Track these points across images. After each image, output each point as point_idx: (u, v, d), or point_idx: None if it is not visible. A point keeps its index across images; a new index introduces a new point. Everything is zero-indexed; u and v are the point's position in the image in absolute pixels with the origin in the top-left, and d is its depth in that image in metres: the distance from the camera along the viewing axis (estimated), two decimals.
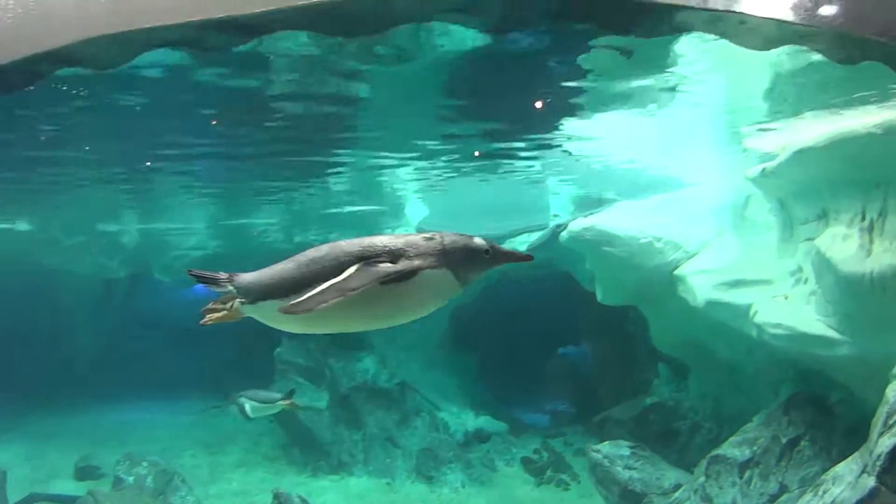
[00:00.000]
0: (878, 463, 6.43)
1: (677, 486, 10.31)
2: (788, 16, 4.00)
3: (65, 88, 7.12)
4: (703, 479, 9.60)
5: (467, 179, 14.99)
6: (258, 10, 3.78)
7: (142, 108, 8.27)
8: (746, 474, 9.24)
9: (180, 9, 3.76)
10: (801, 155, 8.52)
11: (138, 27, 3.84)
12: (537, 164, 14.00)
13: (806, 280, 9.03)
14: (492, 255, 3.35)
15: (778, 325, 8.90)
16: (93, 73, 5.03)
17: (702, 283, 10.63)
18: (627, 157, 13.78)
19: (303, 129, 9.89)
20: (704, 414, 12.70)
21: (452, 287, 3.29)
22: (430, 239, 3.26)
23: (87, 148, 10.58)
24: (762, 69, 7.20)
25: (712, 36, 5.04)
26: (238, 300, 3.50)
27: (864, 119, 7.44)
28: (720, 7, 4.03)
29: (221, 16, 3.83)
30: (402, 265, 3.14)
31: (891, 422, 6.59)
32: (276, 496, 11.97)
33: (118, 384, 18.76)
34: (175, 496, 13.11)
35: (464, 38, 6.02)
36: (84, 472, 14.83)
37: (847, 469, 7.02)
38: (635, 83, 8.00)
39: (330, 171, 13.55)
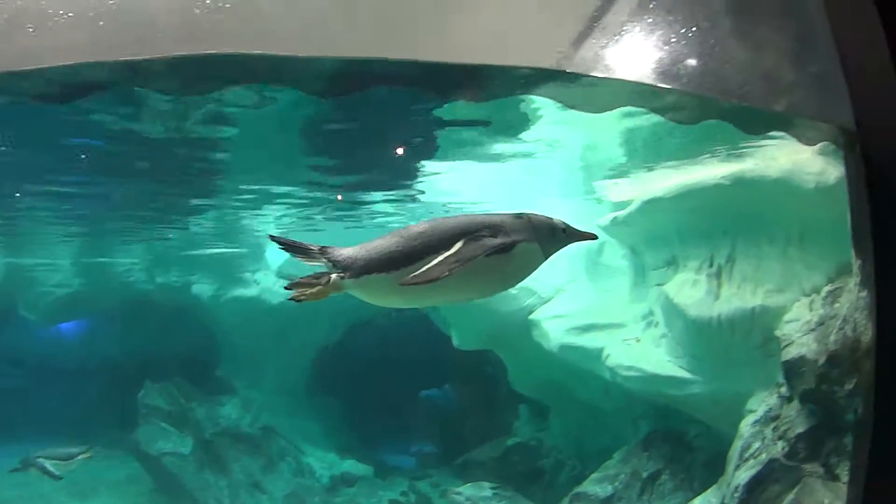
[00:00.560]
0: (737, 495, 6.61)
1: None
2: (632, 77, 3.89)
3: None
4: None
5: (327, 224, 14.70)
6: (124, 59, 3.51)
7: (10, 142, 7.78)
8: None
9: (47, 53, 3.35)
10: (651, 205, 8.73)
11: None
12: (395, 210, 13.74)
13: (657, 323, 9.25)
14: (567, 232, 3.72)
15: (630, 368, 9.02)
16: None
17: (555, 327, 10.67)
18: (485, 206, 13.62)
19: (165, 170, 9.49)
20: (567, 452, 12.69)
21: (539, 260, 3.58)
22: (519, 217, 3.58)
23: None
24: (615, 125, 7.24)
25: (553, 101, 4.76)
26: (337, 275, 3.55)
27: (711, 171, 7.68)
28: (563, 69, 3.83)
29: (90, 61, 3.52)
30: (503, 239, 3.38)
31: (746, 455, 6.79)
32: None
33: None
34: None
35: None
36: None
37: (706, 501, 7.23)
38: (489, 137, 7.82)
39: (191, 212, 13.01)
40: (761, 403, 7.05)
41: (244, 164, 9.45)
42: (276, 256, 17.58)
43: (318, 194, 11.74)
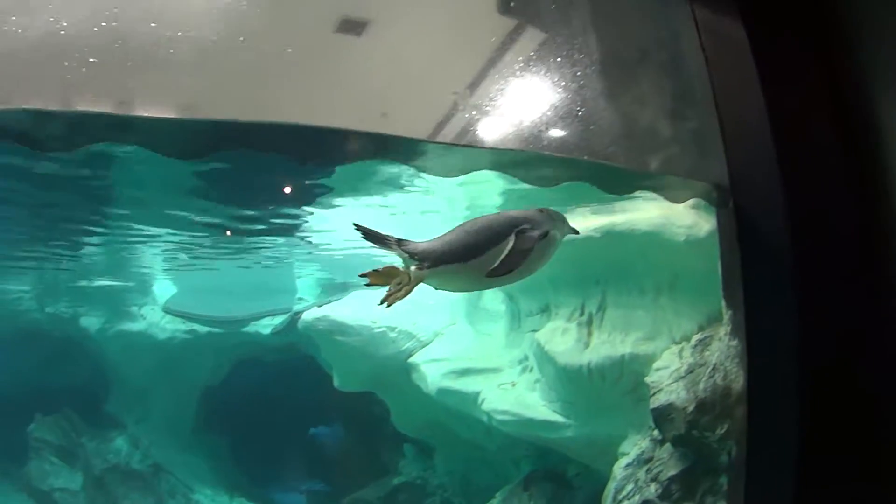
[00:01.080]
0: None
1: None
2: (490, 143, 3.84)
3: None
4: None
5: (216, 260, 14.06)
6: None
7: None
8: None
9: None
10: None
11: None
12: (282, 249, 13.40)
13: (531, 368, 9.20)
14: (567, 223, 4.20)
15: (505, 412, 8.91)
16: None
17: (433, 371, 10.53)
18: (366, 248, 13.36)
19: (54, 201, 8.85)
20: (454, 490, 12.54)
21: (557, 245, 4.08)
22: (542, 211, 3.98)
23: None
24: (495, 178, 7.05)
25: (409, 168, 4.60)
26: (416, 267, 3.86)
27: (583, 223, 7.59)
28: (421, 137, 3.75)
29: None
30: (540, 229, 3.80)
31: (620, 497, 6.77)
32: None
33: None
34: None
35: None
36: None
37: None
38: (373, 184, 7.65)
39: (81, 244, 12.20)
40: (634, 446, 7.05)
41: (133, 199, 8.95)
42: (164, 290, 16.98)
43: (206, 231, 11.27)
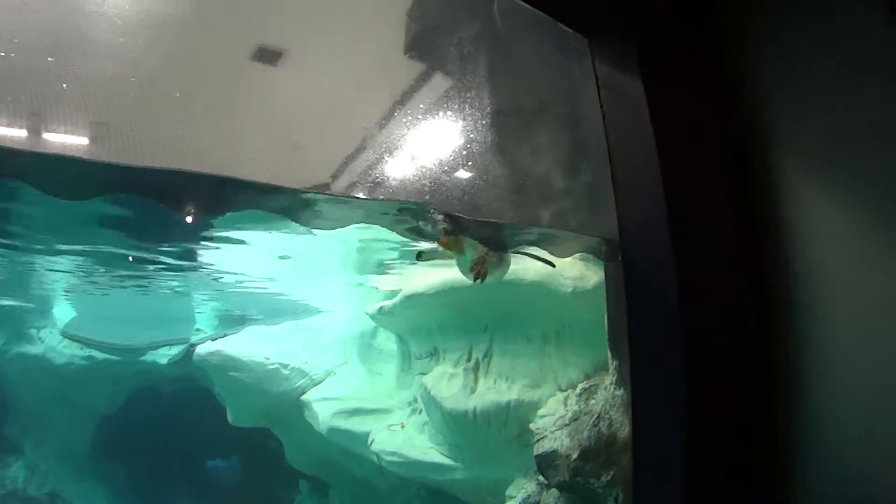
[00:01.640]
0: None
1: None
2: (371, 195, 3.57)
3: None
4: None
5: (116, 286, 13.17)
6: None
7: None
8: None
9: None
10: (413, 299, 8.57)
11: None
12: (180, 280, 12.64)
13: (420, 411, 8.99)
14: None
15: (394, 453, 8.70)
16: None
17: (325, 410, 10.27)
18: (263, 282, 13.01)
19: None
20: None
21: None
22: None
23: None
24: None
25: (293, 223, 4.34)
26: (489, 252, 4.18)
27: None
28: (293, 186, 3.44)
29: None
30: None
31: None
32: None
33: None
34: None
35: None
36: None
37: None
38: (268, 227, 7.32)
39: None
40: (521, 490, 6.83)
41: (34, 219, 8.24)
42: (64, 313, 15.91)
43: (109, 255, 10.42)
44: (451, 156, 3.71)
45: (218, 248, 9.48)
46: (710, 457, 3.27)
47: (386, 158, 3.56)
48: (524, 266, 7.06)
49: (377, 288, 10.97)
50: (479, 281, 4.12)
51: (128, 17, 2.99)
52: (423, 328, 8.93)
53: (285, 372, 11.18)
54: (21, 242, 9.67)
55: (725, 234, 3.25)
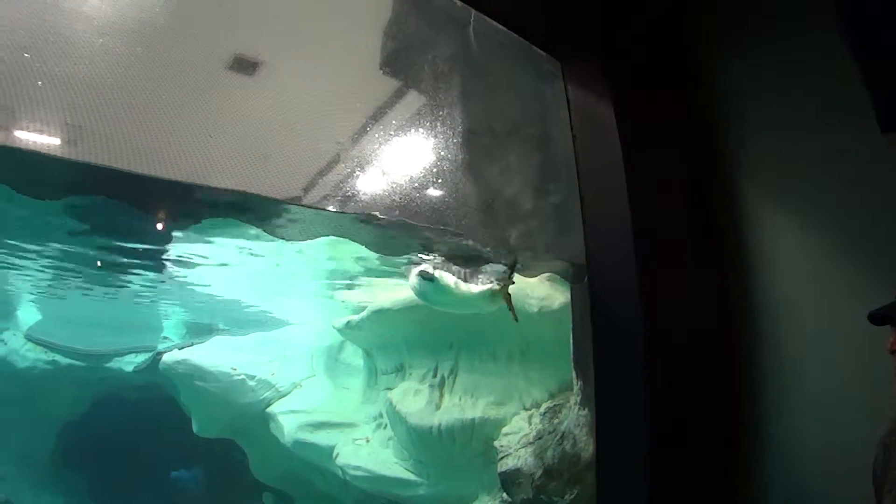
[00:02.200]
0: None
1: None
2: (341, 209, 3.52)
3: None
4: None
5: (83, 291, 12.85)
6: None
7: None
8: None
9: None
10: (380, 315, 8.50)
11: None
12: (148, 287, 12.41)
13: (386, 426, 8.86)
14: None
15: (358, 468, 8.54)
16: None
17: (290, 422, 10.09)
18: (231, 292, 12.84)
19: None
20: None
21: None
22: None
23: None
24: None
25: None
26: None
27: None
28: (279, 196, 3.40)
29: None
30: None
31: None
32: None
33: None
34: None
35: None
36: None
37: None
38: (238, 236, 7.24)
39: None
40: None
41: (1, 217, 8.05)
42: (28, 317, 15.44)
43: (77, 258, 10.19)
44: (422, 172, 3.68)
45: (187, 256, 9.35)
46: (673, 476, 3.26)
47: (358, 172, 3.52)
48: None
49: (344, 302, 10.89)
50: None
51: (106, 20, 2.94)
52: (389, 343, 8.85)
53: (251, 383, 11.00)
54: None
55: (690, 258, 3.26)
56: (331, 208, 3.44)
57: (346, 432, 9.35)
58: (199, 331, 14.73)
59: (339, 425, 9.53)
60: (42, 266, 10.98)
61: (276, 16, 3.47)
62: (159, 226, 8.32)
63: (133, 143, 2.96)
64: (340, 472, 8.83)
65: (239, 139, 3.27)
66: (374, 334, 9.10)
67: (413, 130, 3.69)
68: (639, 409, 3.29)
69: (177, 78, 3.14)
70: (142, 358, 14.11)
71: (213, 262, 9.58)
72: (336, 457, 8.90)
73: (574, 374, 4.66)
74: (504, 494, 6.43)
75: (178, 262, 9.94)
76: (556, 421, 5.89)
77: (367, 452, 8.68)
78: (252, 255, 8.66)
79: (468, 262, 4.96)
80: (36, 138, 2.77)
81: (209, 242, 8.37)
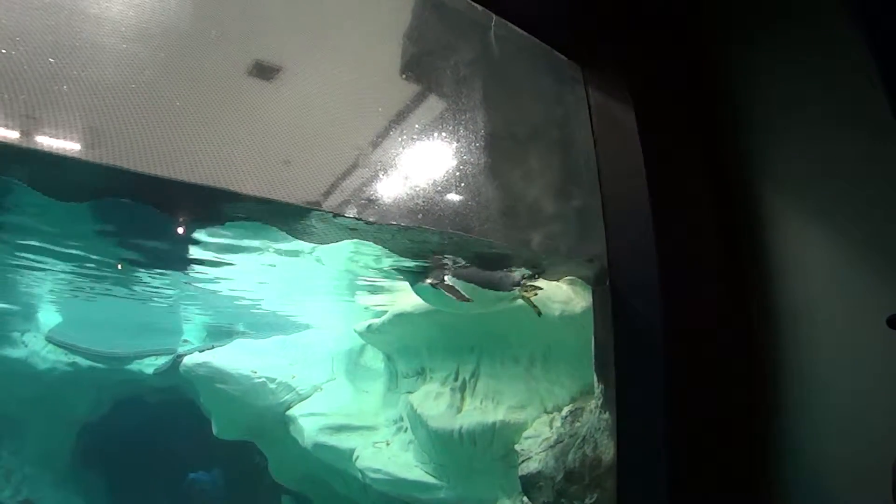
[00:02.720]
0: None
1: None
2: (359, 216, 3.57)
3: None
4: None
5: (104, 294, 12.95)
6: None
7: None
8: None
9: None
10: (401, 318, 8.51)
11: None
12: (169, 290, 12.52)
13: (406, 429, 8.90)
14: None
15: (378, 471, 8.55)
16: None
17: (310, 425, 10.08)
18: (253, 297, 12.93)
19: None
20: None
21: None
22: None
23: None
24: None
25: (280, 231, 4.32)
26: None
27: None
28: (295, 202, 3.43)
29: None
30: None
31: None
32: None
33: None
34: None
35: None
36: None
37: None
38: (259, 240, 7.29)
39: None
40: None
41: (25, 219, 8.19)
42: (49, 319, 15.57)
43: (99, 260, 10.37)
44: (444, 176, 3.72)
45: (209, 259, 9.43)
46: (694, 480, 3.27)
47: (379, 177, 3.57)
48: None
49: (366, 306, 10.93)
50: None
51: (131, 25, 3.01)
52: (410, 347, 8.89)
53: (272, 386, 11.05)
54: (9, 242, 9.61)
55: (712, 261, 3.27)
56: (351, 213, 3.49)
57: (367, 435, 9.39)
58: (219, 334, 14.84)
59: (360, 428, 9.57)
60: (64, 268, 11.15)
61: (296, 21, 3.53)
62: (181, 229, 8.43)
63: (157, 147, 3.03)
64: (360, 475, 8.86)
65: (256, 145, 3.33)
66: (395, 338, 9.14)
67: (435, 134, 3.74)
68: (660, 412, 3.31)
69: (197, 84, 3.21)
70: (162, 360, 14.26)
71: (234, 266, 9.66)
72: (356, 460, 8.93)
73: (595, 378, 4.67)
74: (524, 498, 6.44)
75: (200, 265, 10.04)
76: (577, 424, 5.89)
77: (388, 455, 8.72)
78: (274, 258, 8.73)
79: (491, 265, 5.00)
80: (61, 140, 2.84)
81: (231, 246, 8.45)
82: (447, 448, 7.46)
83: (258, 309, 13.54)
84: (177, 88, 3.15)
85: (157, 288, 12.38)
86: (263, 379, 11.08)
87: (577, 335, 5.42)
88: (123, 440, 15.04)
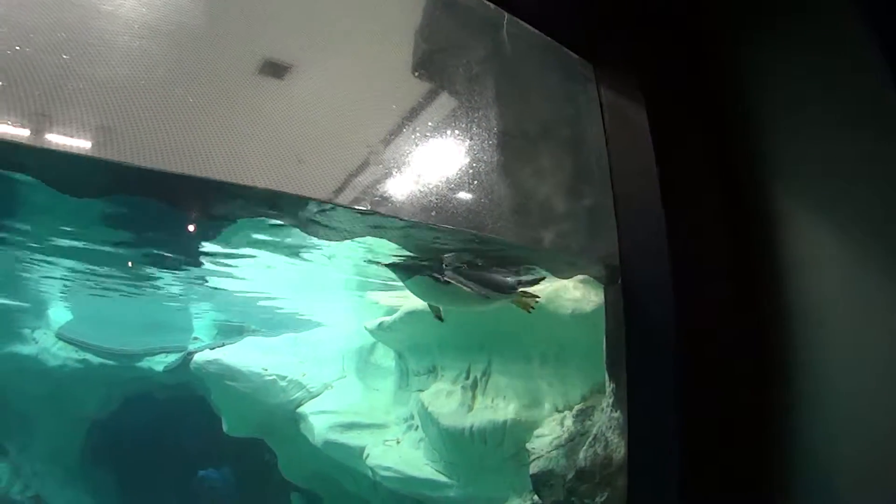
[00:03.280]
0: None
1: None
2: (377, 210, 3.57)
3: None
4: None
5: (115, 291, 13.06)
6: None
7: None
8: None
9: None
10: (412, 316, 8.55)
11: None
12: (179, 287, 12.60)
13: (417, 427, 8.96)
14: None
15: (388, 469, 8.64)
16: None
17: (321, 422, 10.18)
18: (265, 294, 12.98)
19: None
20: None
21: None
22: None
23: None
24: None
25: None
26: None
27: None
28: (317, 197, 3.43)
29: None
30: None
31: None
32: None
33: None
34: None
35: None
36: None
37: None
38: (271, 237, 7.33)
39: None
40: None
41: (36, 216, 8.25)
42: (59, 316, 15.74)
43: (110, 257, 10.42)
44: (456, 174, 3.75)
45: (220, 256, 9.48)
46: (704, 480, 3.29)
47: (392, 175, 3.59)
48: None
49: (377, 303, 10.97)
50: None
51: (143, 22, 3.05)
52: (422, 345, 8.94)
53: (282, 384, 11.14)
54: (20, 239, 9.68)
55: (721, 260, 3.29)
56: (363, 208, 3.52)
57: (377, 433, 9.46)
58: (230, 331, 14.96)
59: (370, 426, 9.64)
60: (74, 265, 11.23)
61: (307, 19, 3.56)
62: (192, 226, 8.49)
63: (166, 143, 3.07)
64: (370, 473, 8.93)
65: (269, 143, 3.36)
66: (406, 335, 9.19)
67: (447, 132, 3.76)
68: (670, 410, 3.32)
69: (209, 81, 3.25)
70: (172, 357, 14.39)
71: (246, 263, 9.71)
72: (366, 457, 9.01)
73: (607, 377, 4.69)
74: (535, 496, 6.48)
75: (211, 262, 10.11)
76: (588, 423, 5.92)
77: (398, 453, 8.78)
78: (285, 255, 8.77)
79: (500, 264, 5.03)
80: (73, 136, 2.87)
81: (243, 243, 8.50)
82: (458, 446, 7.51)
83: (269, 306, 13.61)
84: (188, 85, 3.18)
85: (168, 285, 12.47)
86: (274, 376, 11.18)
87: (589, 334, 5.45)
88: (133, 437, 15.19)
